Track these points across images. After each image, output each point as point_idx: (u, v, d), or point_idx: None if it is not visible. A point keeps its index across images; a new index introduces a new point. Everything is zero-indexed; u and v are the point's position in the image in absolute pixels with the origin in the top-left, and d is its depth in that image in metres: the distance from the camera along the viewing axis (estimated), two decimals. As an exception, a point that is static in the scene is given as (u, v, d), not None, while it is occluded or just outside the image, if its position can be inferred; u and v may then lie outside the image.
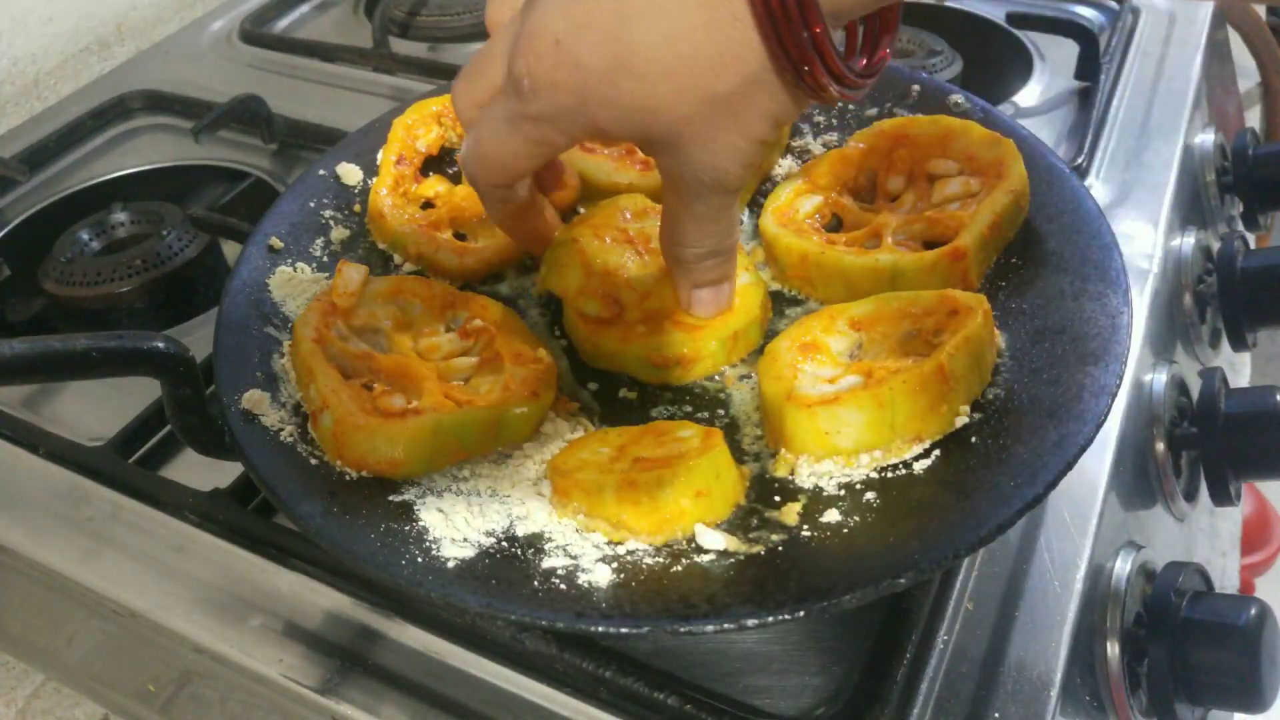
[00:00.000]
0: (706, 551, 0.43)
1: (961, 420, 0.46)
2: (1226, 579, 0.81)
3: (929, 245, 0.55)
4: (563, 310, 0.57)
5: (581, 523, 0.45)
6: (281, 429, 0.49)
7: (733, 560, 0.42)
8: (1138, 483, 0.62)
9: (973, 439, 0.45)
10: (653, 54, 0.39)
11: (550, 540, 0.44)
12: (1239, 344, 0.80)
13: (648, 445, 0.47)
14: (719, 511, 0.45)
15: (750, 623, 0.38)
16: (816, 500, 0.45)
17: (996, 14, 0.94)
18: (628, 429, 0.50)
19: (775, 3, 0.37)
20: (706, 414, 0.52)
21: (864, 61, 0.43)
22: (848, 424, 0.45)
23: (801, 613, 0.38)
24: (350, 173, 0.65)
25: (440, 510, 0.45)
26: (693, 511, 0.44)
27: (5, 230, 0.82)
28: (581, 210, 0.60)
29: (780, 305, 0.57)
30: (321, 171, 0.65)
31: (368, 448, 0.47)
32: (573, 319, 0.55)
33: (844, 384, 0.48)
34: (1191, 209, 0.81)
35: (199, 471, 0.57)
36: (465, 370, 0.54)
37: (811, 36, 0.38)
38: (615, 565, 0.43)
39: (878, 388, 0.45)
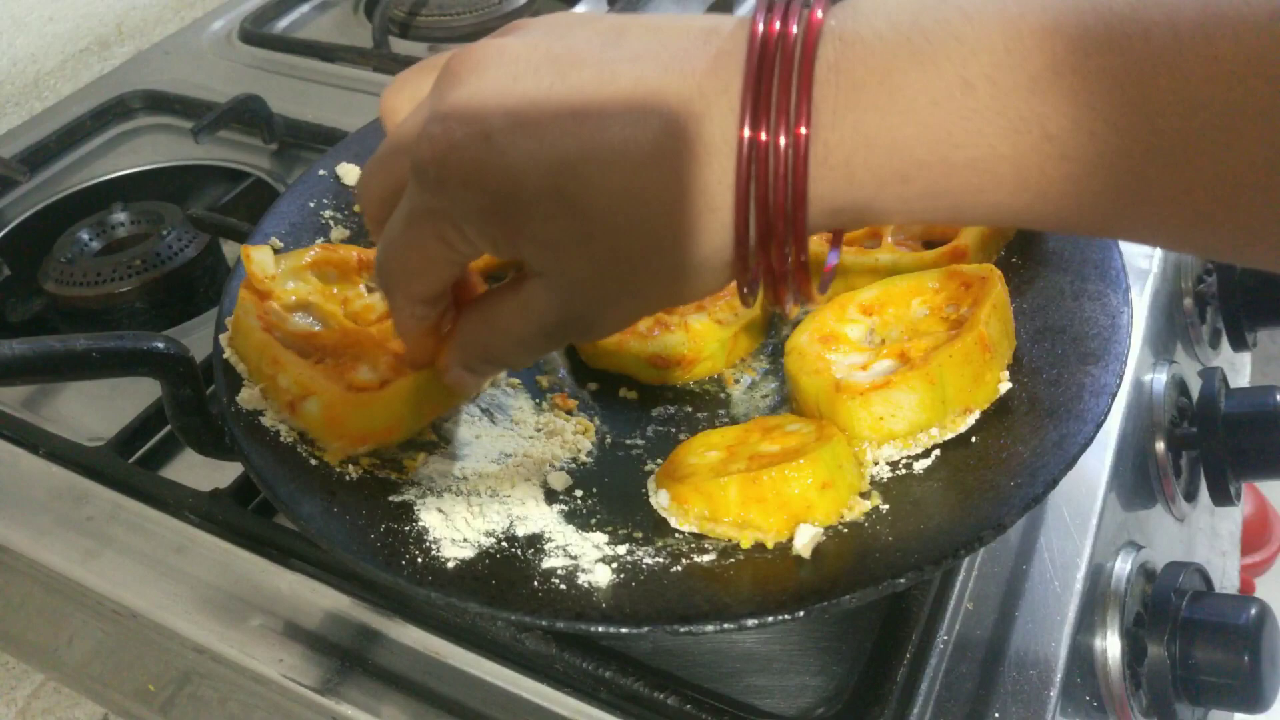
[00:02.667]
0: (706, 551, 0.43)
1: (1005, 386, 0.46)
2: (1226, 579, 0.81)
3: (928, 245, 0.55)
4: None
5: (706, 528, 0.44)
6: (281, 429, 0.49)
7: (733, 560, 0.42)
8: (1138, 483, 0.62)
9: (973, 439, 0.45)
10: (602, 198, 0.33)
11: (550, 540, 0.44)
12: (1239, 344, 0.80)
13: (757, 442, 0.47)
14: (843, 502, 0.43)
15: (750, 623, 0.38)
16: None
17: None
18: (729, 429, 0.49)
19: (760, 219, 0.33)
20: (707, 414, 0.52)
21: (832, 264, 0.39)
22: (903, 406, 0.45)
23: (801, 613, 0.38)
24: (350, 173, 0.65)
25: (440, 510, 0.45)
26: (820, 504, 0.42)
27: (5, 230, 0.82)
28: None
29: (780, 305, 0.57)
30: (321, 171, 0.65)
31: (365, 421, 0.47)
32: None
33: (879, 368, 0.48)
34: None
35: (199, 471, 0.57)
36: None
37: (794, 260, 0.34)
38: (615, 565, 0.43)
39: (925, 366, 0.46)
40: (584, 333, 0.39)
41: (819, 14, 0.32)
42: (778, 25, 0.32)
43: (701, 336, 0.52)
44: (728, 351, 0.53)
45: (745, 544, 0.42)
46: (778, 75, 0.32)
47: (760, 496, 0.42)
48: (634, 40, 0.35)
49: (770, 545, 0.42)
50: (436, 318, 0.42)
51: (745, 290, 0.36)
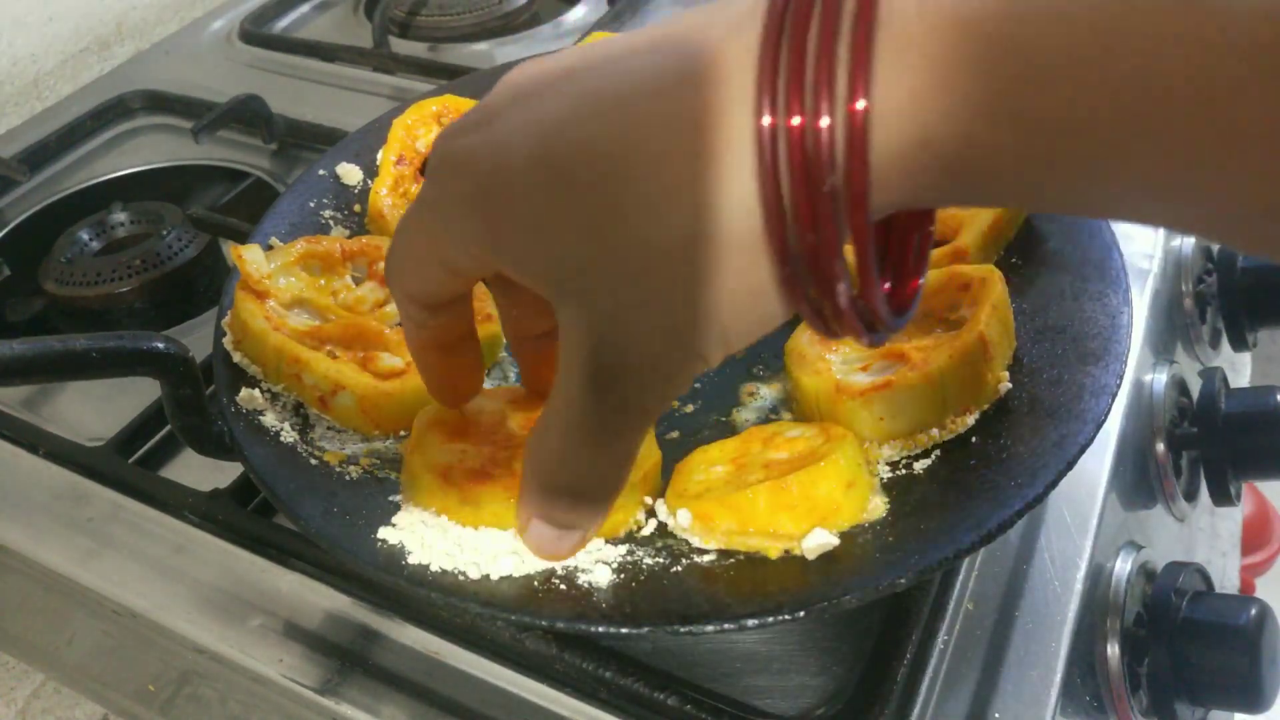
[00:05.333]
0: (706, 551, 0.43)
1: (1005, 387, 0.46)
2: (1227, 579, 0.81)
3: (929, 245, 0.55)
4: None
5: (735, 542, 0.42)
6: (281, 429, 0.49)
7: (733, 560, 0.42)
8: (1138, 483, 0.62)
9: (973, 439, 0.45)
10: (592, 156, 0.28)
11: (550, 540, 0.44)
12: (1239, 344, 0.80)
13: (761, 451, 0.46)
14: (864, 501, 0.43)
15: (750, 623, 0.38)
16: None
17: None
18: (726, 442, 0.48)
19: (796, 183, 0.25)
20: (706, 415, 0.52)
21: (887, 286, 0.30)
22: (903, 406, 0.45)
23: (801, 613, 0.38)
24: (350, 173, 0.65)
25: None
26: (845, 505, 0.42)
27: (5, 230, 0.82)
28: None
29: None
30: (321, 171, 0.65)
31: (400, 409, 0.48)
32: None
33: (878, 369, 0.48)
34: (1192, 209, 0.80)
35: (199, 471, 0.57)
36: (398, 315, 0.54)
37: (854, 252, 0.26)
38: (615, 565, 0.42)
39: (926, 366, 0.45)
40: (631, 378, 0.30)
41: None
42: None
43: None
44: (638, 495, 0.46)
45: (773, 554, 0.42)
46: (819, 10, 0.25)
47: (790, 503, 0.42)
48: (671, 26, 0.29)
49: (796, 552, 0.42)
50: (437, 331, 0.38)
51: (788, 284, 0.28)
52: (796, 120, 0.25)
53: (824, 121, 0.25)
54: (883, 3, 0.25)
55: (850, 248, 0.27)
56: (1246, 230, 0.25)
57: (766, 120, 0.25)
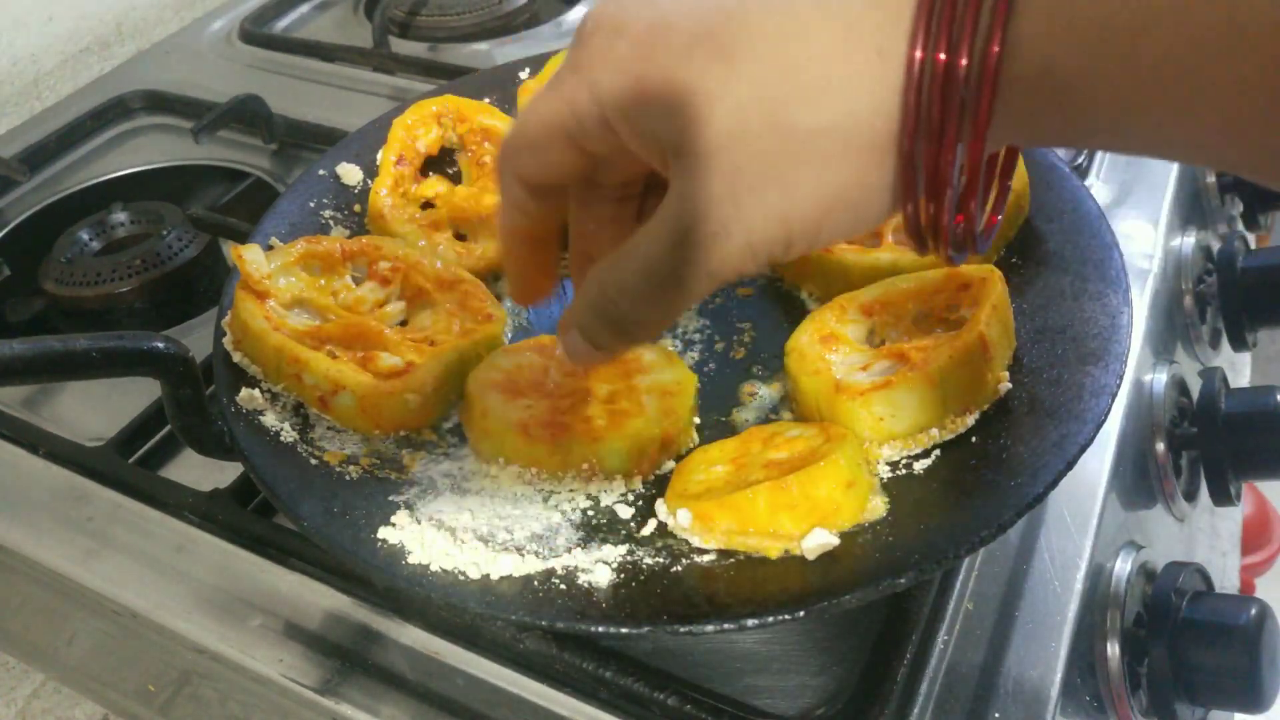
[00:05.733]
0: (706, 551, 0.43)
1: (1005, 387, 0.46)
2: (1227, 579, 0.81)
3: (929, 245, 0.55)
4: None
5: (735, 542, 0.43)
6: (281, 429, 0.49)
7: (733, 560, 0.42)
8: (1138, 483, 0.62)
9: (973, 439, 0.45)
10: (758, 36, 0.31)
11: (550, 540, 0.44)
12: (1239, 344, 0.80)
13: (761, 451, 0.46)
14: (864, 501, 0.43)
15: (750, 623, 0.38)
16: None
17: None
18: (726, 442, 0.48)
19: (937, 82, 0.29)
20: (705, 415, 0.52)
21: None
22: (903, 406, 0.45)
23: (801, 613, 0.38)
24: (350, 173, 0.65)
25: (440, 511, 0.45)
26: (845, 505, 0.42)
27: (5, 230, 0.82)
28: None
29: (778, 302, 0.57)
30: (321, 171, 0.65)
31: (401, 409, 0.49)
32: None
33: (879, 369, 0.48)
34: (1191, 209, 0.81)
35: (199, 471, 0.57)
36: (400, 314, 0.55)
37: (967, 160, 0.30)
38: (615, 565, 0.42)
39: (926, 366, 0.45)
40: (718, 245, 0.33)
41: None
42: None
43: (673, 412, 0.49)
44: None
45: (772, 554, 0.42)
46: None
47: (790, 503, 0.42)
48: None
49: (795, 552, 0.42)
50: (537, 220, 0.40)
51: (902, 186, 0.31)
52: (943, 56, 0.29)
53: (964, 60, 0.29)
54: None
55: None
56: None
57: (919, 54, 0.30)
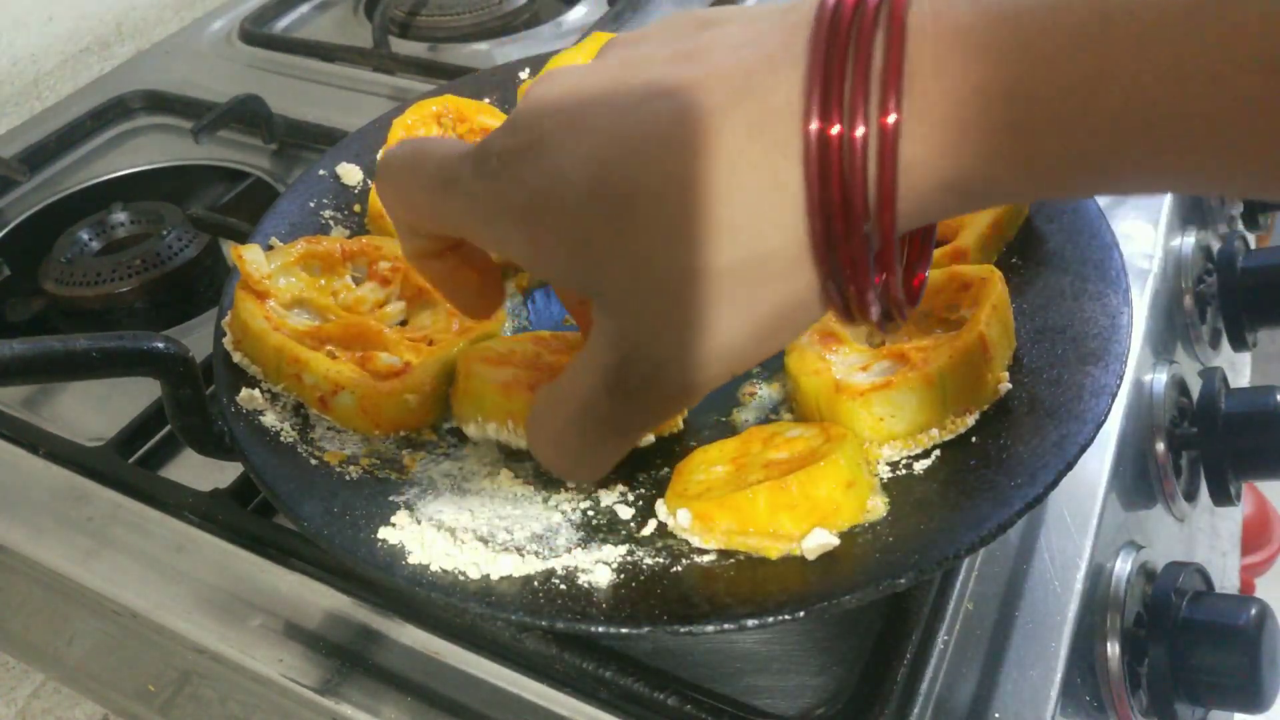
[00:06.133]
0: (706, 552, 0.43)
1: (1005, 387, 0.46)
2: (1227, 579, 0.81)
3: (929, 245, 0.55)
4: None
5: (735, 543, 0.42)
6: (281, 429, 0.49)
7: (733, 560, 0.42)
8: (1138, 483, 0.62)
9: (973, 439, 0.45)
10: (646, 182, 0.30)
11: (549, 540, 0.44)
12: (1239, 344, 0.80)
13: (761, 451, 0.46)
14: (864, 502, 0.43)
15: (750, 623, 0.38)
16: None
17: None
18: (726, 442, 0.48)
19: (835, 204, 0.29)
20: (703, 414, 0.52)
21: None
22: (903, 406, 0.45)
23: (801, 613, 0.38)
24: (350, 173, 0.65)
25: (440, 511, 0.45)
26: (845, 505, 0.42)
27: (5, 230, 0.82)
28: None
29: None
30: (321, 171, 0.65)
31: (400, 409, 0.49)
32: None
33: (878, 369, 0.48)
34: (1191, 209, 0.81)
35: (199, 471, 0.57)
36: (399, 314, 0.55)
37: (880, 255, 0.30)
38: (615, 565, 0.42)
39: (926, 366, 0.46)
40: (654, 381, 0.33)
41: None
42: None
43: None
44: None
45: (772, 555, 0.42)
46: (855, 39, 0.28)
47: (790, 503, 0.42)
48: (723, 29, 0.32)
49: (796, 554, 0.42)
50: (432, 251, 0.39)
51: (826, 291, 0.31)
52: (835, 128, 0.29)
53: (859, 130, 0.28)
54: (909, 25, 0.28)
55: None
56: (1246, 184, 0.28)
57: (814, 170, 0.29)
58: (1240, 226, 0.92)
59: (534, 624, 0.43)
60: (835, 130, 0.29)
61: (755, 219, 0.30)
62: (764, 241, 0.30)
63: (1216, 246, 0.80)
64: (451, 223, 0.35)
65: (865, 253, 0.30)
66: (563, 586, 0.41)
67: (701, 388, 0.33)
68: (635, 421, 0.35)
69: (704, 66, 0.31)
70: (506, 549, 0.43)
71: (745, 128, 0.29)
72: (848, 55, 0.28)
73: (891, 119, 0.28)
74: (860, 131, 0.28)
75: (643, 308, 0.31)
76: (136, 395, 0.62)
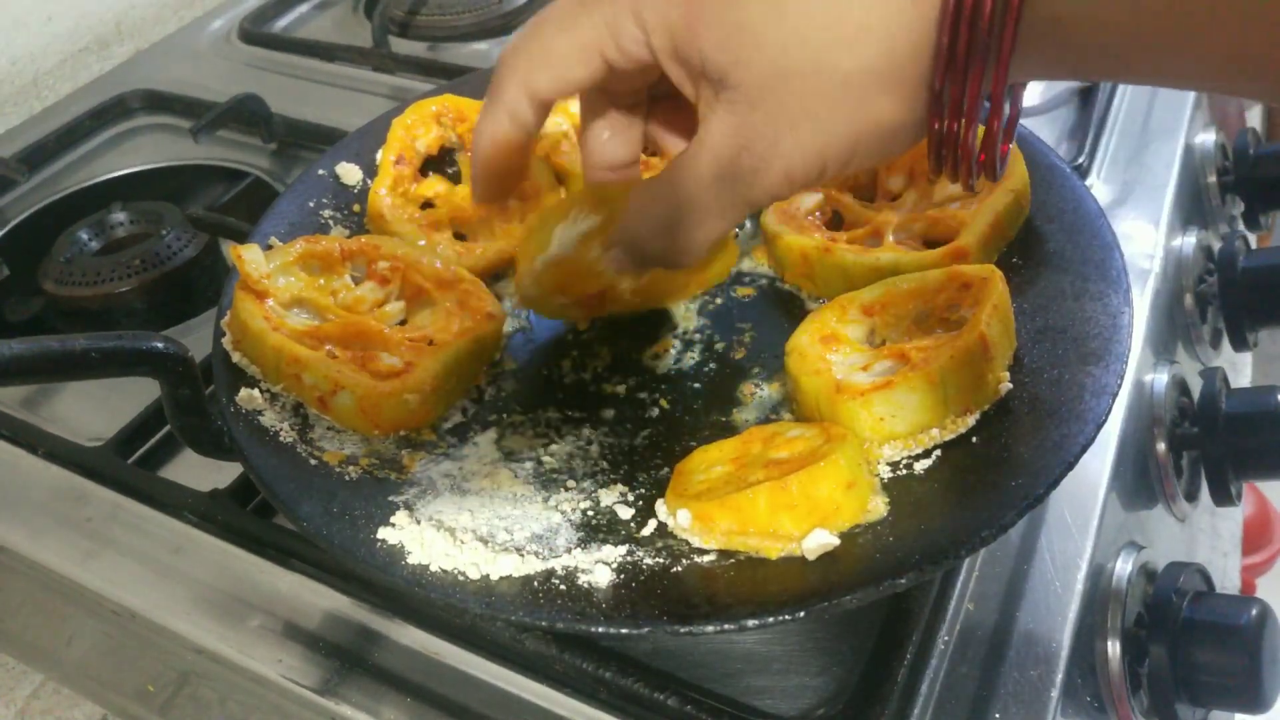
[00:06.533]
0: (706, 552, 0.43)
1: (1006, 387, 0.46)
2: (1227, 579, 0.81)
3: (929, 244, 0.55)
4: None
5: (735, 543, 0.43)
6: (281, 429, 0.49)
7: (733, 560, 0.42)
8: (1139, 483, 0.62)
9: (973, 439, 0.45)
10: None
11: (549, 541, 0.44)
12: (1240, 344, 0.80)
13: (762, 451, 0.46)
14: (865, 502, 0.43)
15: (750, 623, 0.38)
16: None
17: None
18: (725, 442, 0.48)
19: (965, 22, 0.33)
20: (705, 416, 0.52)
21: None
22: (904, 406, 0.45)
23: (801, 613, 0.38)
24: (350, 173, 0.65)
25: (439, 511, 0.45)
26: (846, 505, 0.42)
27: (5, 230, 0.82)
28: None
29: (778, 303, 0.57)
30: (321, 171, 0.65)
31: (400, 409, 0.49)
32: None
33: (879, 369, 0.48)
34: (1192, 209, 0.80)
35: (199, 471, 0.57)
36: (399, 314, 0.55)
37: (993, 88, 0.34)
38: (615, 565, 0.42)
39: (926, 366, 0.45)
40: (758, 176, 0.36)
41: None
42: None
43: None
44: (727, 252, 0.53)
45: (773, 555, 0.42)
46: None
47: (790, 503, 0.42)
48: None
49: (796, 554, 0.42)
50: (528, 129, 0.42)
51: (935, 128, 0.35)
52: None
53: (989, 2, 0.32)
54: None
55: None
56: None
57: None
58: (1241, 226, 0.91)
59: (534, 624, 0.43)
60: None
61: (888, 30, 0.33)
62: (891, 53, 0.34)
63: (1217, 246, 0.79)
64: (600, 42, 0.37)
65: (979, 82, 0.33)
66: (563, 587, 0.41)
67: (797, 184, 0.37)
68: (730, 212, 0.39)
69: None
70: (506, 549, 0.43)
71: None
72: None
73: None
74: None
75: (771, 99, 0.35)
76: (136, 395, 0.62)
